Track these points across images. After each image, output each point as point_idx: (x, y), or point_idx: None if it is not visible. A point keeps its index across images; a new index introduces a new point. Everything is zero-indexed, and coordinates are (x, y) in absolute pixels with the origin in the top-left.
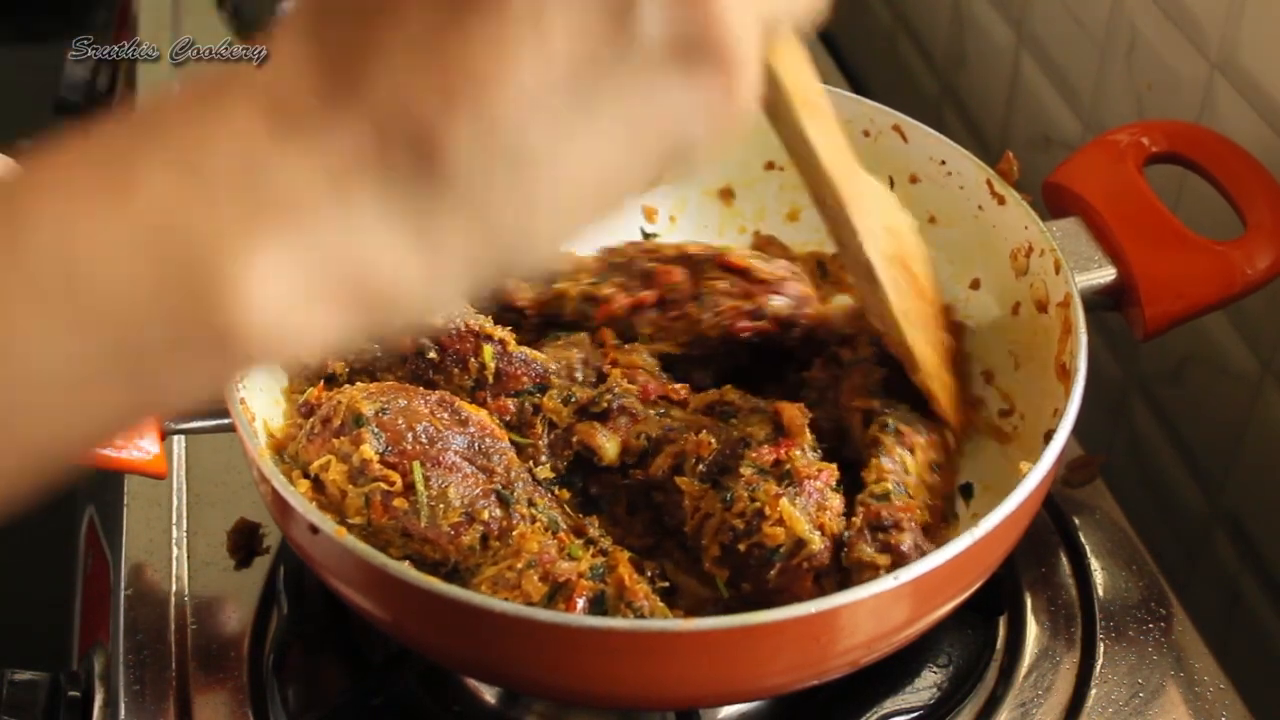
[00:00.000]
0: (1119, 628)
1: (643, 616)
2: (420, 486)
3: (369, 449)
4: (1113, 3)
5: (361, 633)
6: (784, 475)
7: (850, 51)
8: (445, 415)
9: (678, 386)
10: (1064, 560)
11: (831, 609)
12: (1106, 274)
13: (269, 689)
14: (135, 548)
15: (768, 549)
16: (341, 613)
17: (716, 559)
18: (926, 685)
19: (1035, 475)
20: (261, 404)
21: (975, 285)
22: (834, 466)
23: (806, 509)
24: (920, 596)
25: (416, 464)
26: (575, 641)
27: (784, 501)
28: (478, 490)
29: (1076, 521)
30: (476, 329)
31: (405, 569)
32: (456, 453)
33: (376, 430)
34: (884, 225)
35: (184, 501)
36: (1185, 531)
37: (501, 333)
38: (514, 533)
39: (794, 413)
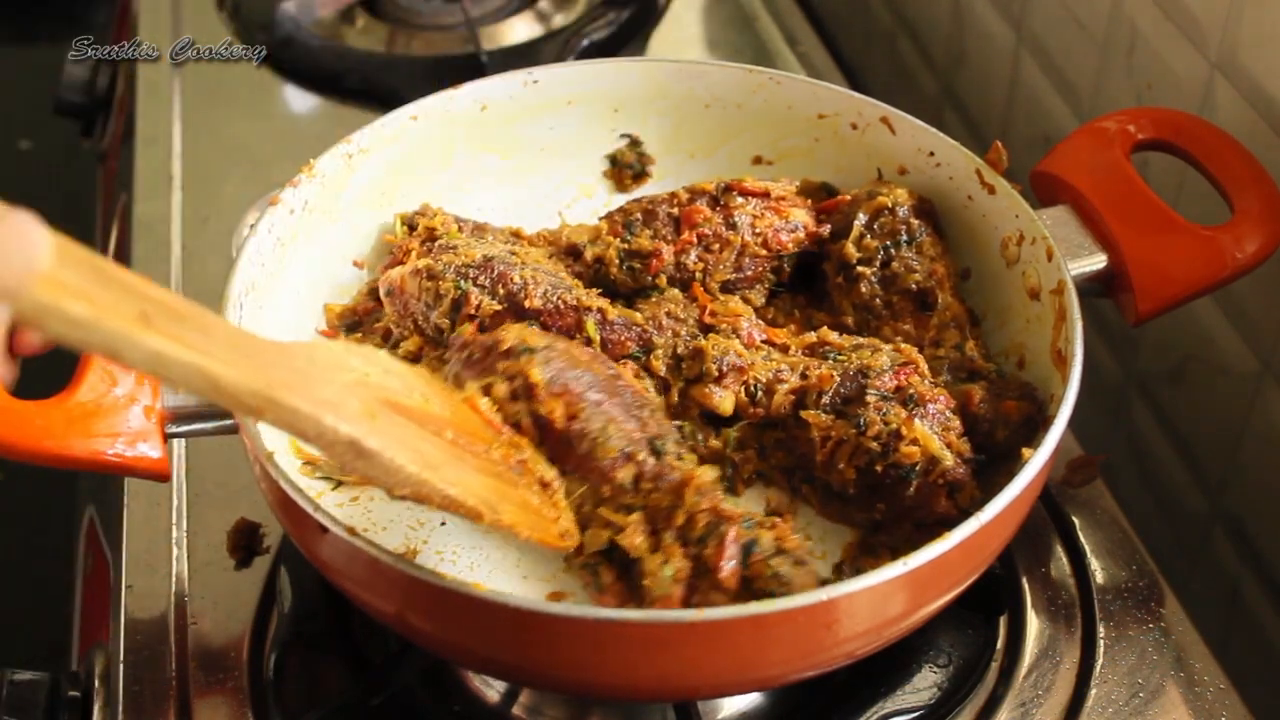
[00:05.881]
0: (1119, 627)
1: (803, 563)
2: (582, 421)
3: (538, 373)
4: (1113, 3)
5: (362, 632)
6: (908, 399)
7: (850, 51)
8: (601, 367)
9: (778, 330)
10: (1064, 560)
11: (834, 598)
12: (1097, 260)
13: (269, 689)
14: (135, 548)
15: (904, 468)
16: (341, 613)
17: (851, 483)
18: (926, 685)
19: (1036, 461)
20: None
21: (965, 275)
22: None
23: (934, 429)
24: (922, 585)
25: (578, 399)
26: (592, 633)
27: (916, 422)
28: (636, 435)
29: (1076, 521)
30: (574, 303)
31: (415, 564)
32: (614, 400)
33: (546, 360)
34: (342, 384)
35: (184, 501)
36: (1185, 531)
37: (598, 301)
38: (674, 475)
39: (908, 343)
